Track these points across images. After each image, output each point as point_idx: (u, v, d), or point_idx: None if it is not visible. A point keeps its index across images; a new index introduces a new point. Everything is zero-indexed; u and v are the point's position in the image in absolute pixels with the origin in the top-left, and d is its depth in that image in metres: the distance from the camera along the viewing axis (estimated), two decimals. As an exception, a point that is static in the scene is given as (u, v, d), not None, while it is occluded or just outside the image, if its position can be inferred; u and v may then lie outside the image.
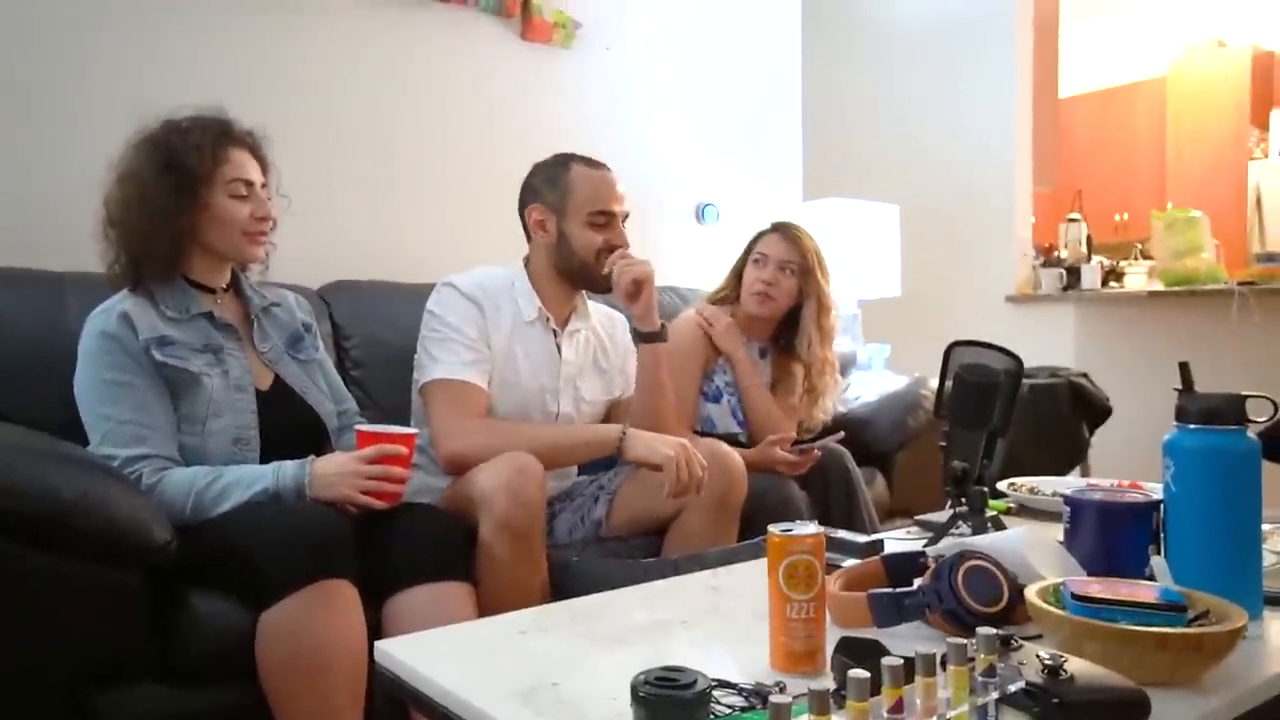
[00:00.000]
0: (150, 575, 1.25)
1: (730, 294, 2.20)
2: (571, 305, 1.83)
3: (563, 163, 1.77)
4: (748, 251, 2.18)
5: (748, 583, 1.14)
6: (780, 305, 2.13)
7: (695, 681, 0.74)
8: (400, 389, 1.81)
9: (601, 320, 1.91)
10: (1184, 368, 1.09)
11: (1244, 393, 1.03)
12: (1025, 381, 2.58)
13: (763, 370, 2.20)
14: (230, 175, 1.50)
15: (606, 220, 1.74)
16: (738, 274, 2.20)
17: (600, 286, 1.77)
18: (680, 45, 2.99)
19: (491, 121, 2.54)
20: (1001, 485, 1.62)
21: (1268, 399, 1.06)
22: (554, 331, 1.80)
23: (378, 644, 0.98)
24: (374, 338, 2.01)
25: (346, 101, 2.30)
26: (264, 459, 1.47)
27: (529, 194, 1.79)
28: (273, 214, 1.55)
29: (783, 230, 2.15)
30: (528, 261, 1.82)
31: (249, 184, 1.52)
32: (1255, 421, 1.03)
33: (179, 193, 1.46)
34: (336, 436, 1.64)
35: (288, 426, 1.53)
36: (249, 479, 1.38)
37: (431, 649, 0.98)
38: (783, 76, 3.34)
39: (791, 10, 3.36)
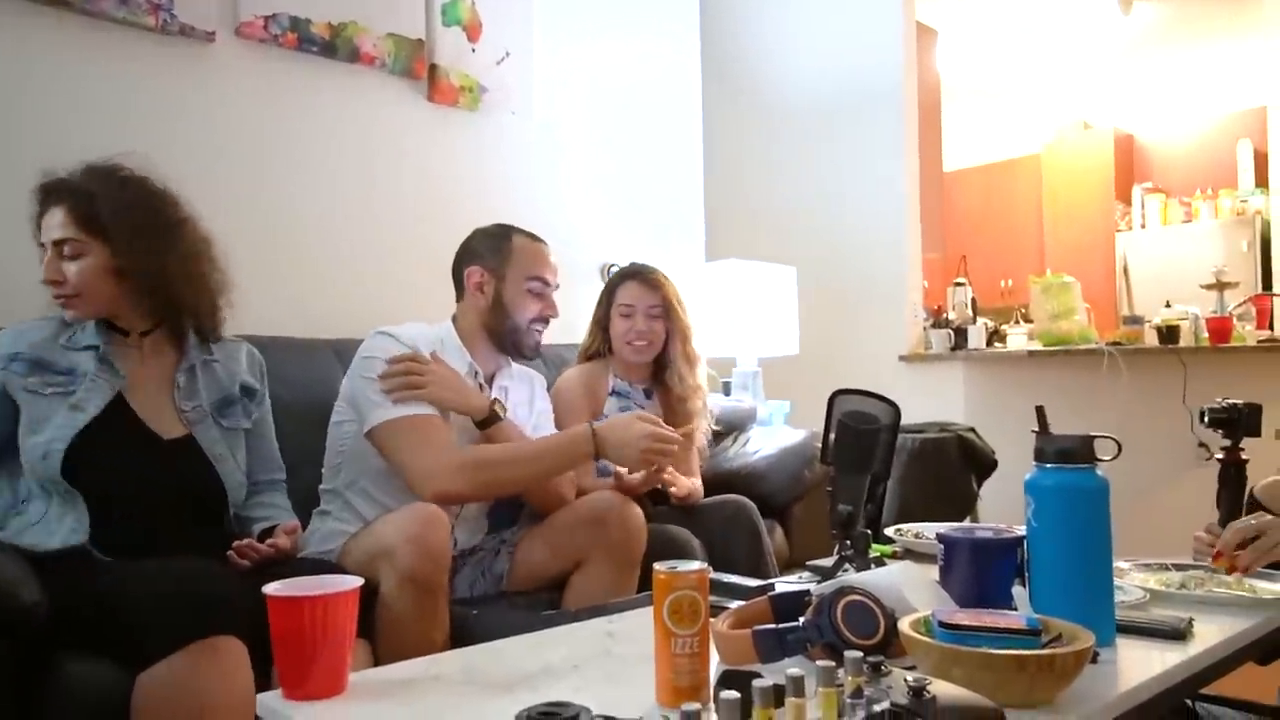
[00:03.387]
0: (16, 640, 1.18)
1: (600, 347, 2.26)
2: (497, 363, 1.88)
3: (505, 232, 1.85)
4: (609, 303, 2.23)
5: (643, 627, 1.15)
6: (657, 347, 2.21)
7: (578, 716, 0.76)
8: (298, 444, 1.78)
9: (522, 377, 1.95)
10: (1040, 411, 1.18)
11: (1092, 434, 1.12)
12: (917, 436, 2.73)
13: (655, 410, 2.25)
14: (44, 235, 1.49)
15: (542, 289, 1.82)
16: (602, 325, 2.25)
17: (524, 353, 1.85)
18: (586, 111, 3.09)
19: (399, 181, 2.56)
20: (889, 531, 1.69)
21: (1113, 439, 1.15)
22: (481, 386, 1.82)
23: (260, 697, 0.96)
24: (273, 394, 1.96)
25: (252, 159, 2.29)
26: (152, 512, 1.43)
27: (470, 255, 1.84)
28: (68, 277, 1.46)
29: (638, 277, 2.22)
30: (455, 320, 1.86)
31: (55, 244, 1.47)
32: (1103, 459, 1.12)
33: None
34: (238, 506, 1.60)
35: (187, 482, 1.50)
36: None
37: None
38: (684, 142, 3.48)
39: (692, 79, 3.53)
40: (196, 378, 1.57)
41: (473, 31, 2.71)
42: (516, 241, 1.83)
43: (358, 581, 1.02)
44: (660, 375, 2.26)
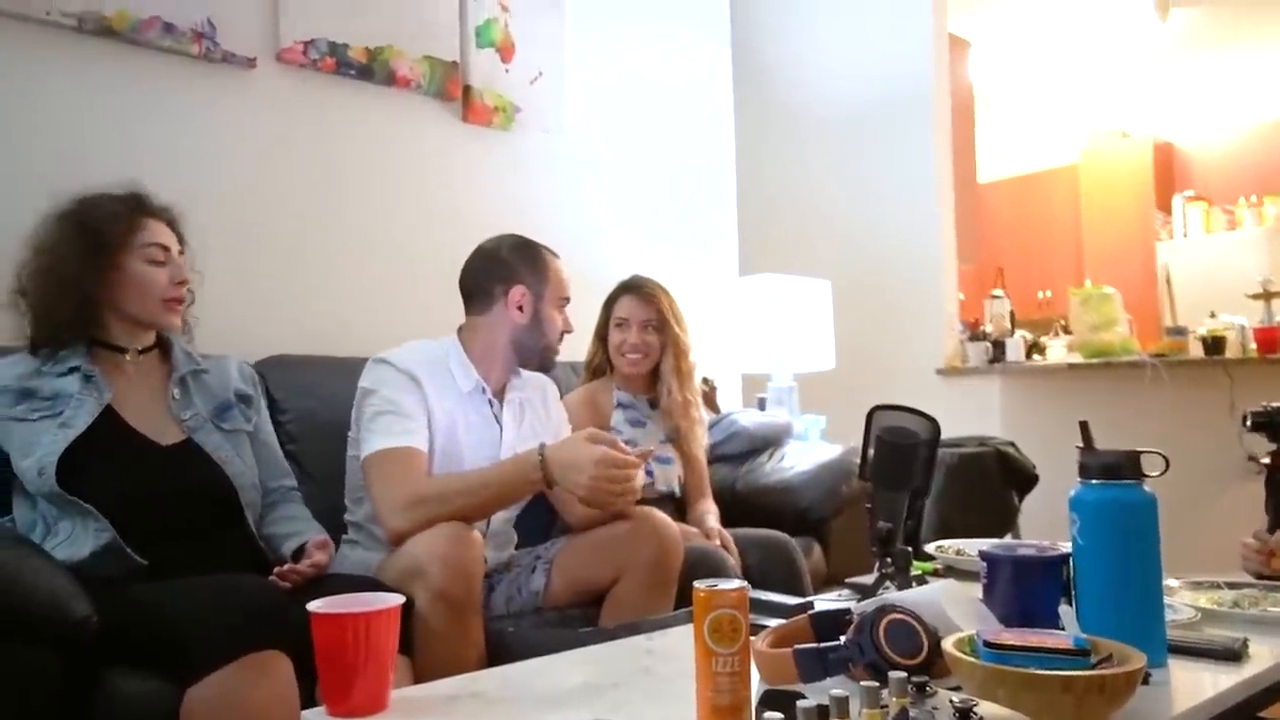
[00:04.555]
0: (68, 655, 1.21)
1: (602, 360, 2.28)
2: (507, 378, 1.87)
3: (535, 249, 1.85)
4: (607, 315, 2.27)
5: (682, 645, 1.15)
6: (653, 360, 2.23)
7: (620, 734, 0.76)
8: (335, 461, 1.80)
9: (535, 385, 1.94)
10: (1084, 426, 1.16)
11: (1138, 449, 1.10)
12: (955, 451, 2.70)
13: (658, 421, 2.26)
14: (146, 240, 1.53)
15: (564, 305, 1.86)
16: (602, 338, 2.28)
17: (550, 367, 1.88)
18: (618, 127, 3.11)
19: (433, 200, 2.60)
20: (929, 548, 1.67)
21: (1160, 454, 1.12)
22: (491, 401, 1.82)
23: (305, 714, 0.97)
24: (309, 411, 2.00)
25: (290, 180, 2.33)
26: (159, 515, 1.45)
27: (508, 273, 1.81)
28: (186, 278, 1.58)
29: (635, 290, 2.24)
30: (463, 334, 1.85)
31: (165, 249, 1.55)
32: (1150, 475, 1.09)
33: (90, 256, 1.49)
34: (263, 509, 1.62)
35: (192, 484, 1.51)
36: None
37: (360, 717, 0.96)
38: (717, 157, 3.49)
39: (724, 92, 3.54)
40: (189, 389, 1.61)
41: (506, 52, 2.75)
42: (550, 261, 1.85)
43: (400, 599, 1.03)
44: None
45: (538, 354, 1.84)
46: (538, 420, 1.90)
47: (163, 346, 1.62)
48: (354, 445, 1.74)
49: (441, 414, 1.72)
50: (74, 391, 1.47)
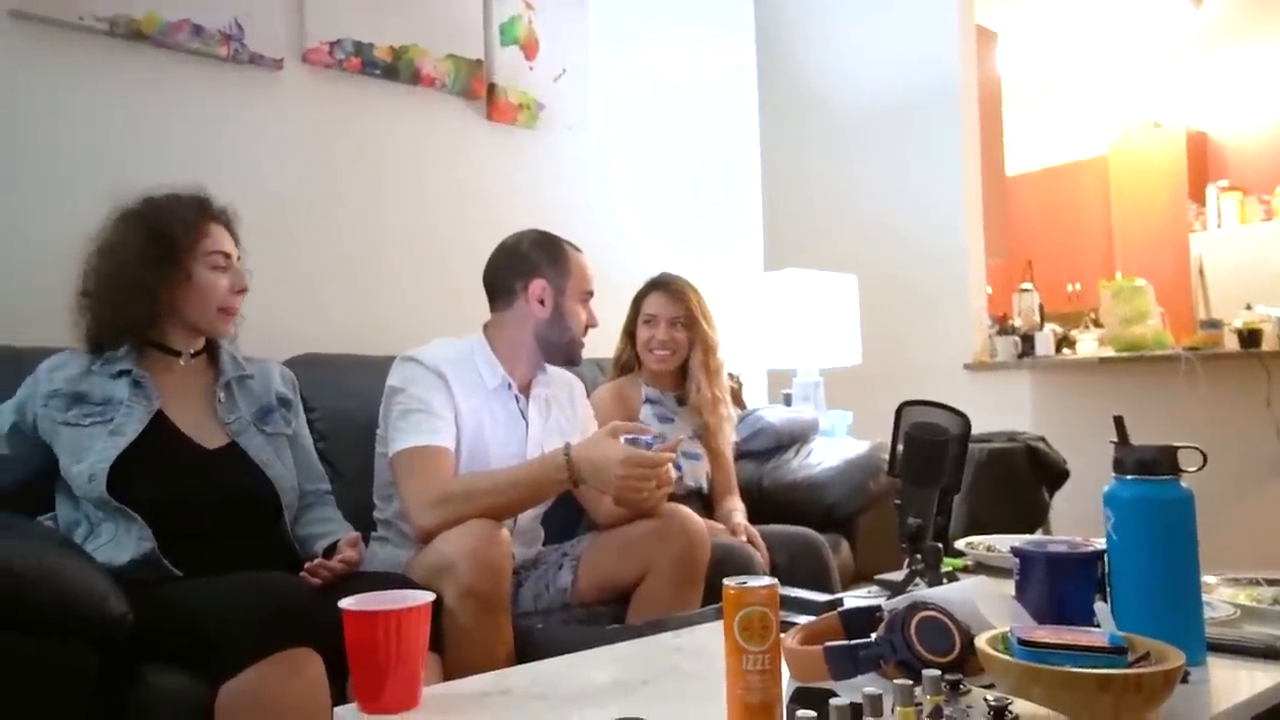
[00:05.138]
0: (105, 652, 1.23)
1: (631, 357, 2.29)
2: (534, 373, 1.87)
3: (556, 243, 1.85)
4: (635, 312, 2.27)
5: (710, 643, 1.15)
6: (680, 356, 2.24)
7: (651, 731, 0.76)
8: (365, 459, 1.82)
9: (561, 383, 1.95)
10: (1119, 422, 1.14)
11: (1174, 444, 1.08)
12: (984, 446, 2.67)
13: (686, 417, 2.26)
14: (210, 248, 1.56)
15: (588, 299, 1.86)
16: (631, 335, 2.29)
17: (575, 361, 1.87)
18: (642, 123, 3.11)
19: (459, 198, 2.61)
20: (960, 544, 1.65)
21: (1197, 449, 1.11)
22: (517, 398, 1.83)
23: (337, 711, 0.98)
24: (339, 410, 2.01)
25: (318, 179, 2.36)
26: (203, 519, 1.47)
27: (529, 267, 1.81)
28: (247, 284, 1.61)
29: (664, 287, 2.25)
30: (488, 331, 1.85)
31: (227, 256, 1.58)
32: (1187, 471, 1.08)
33: (162, 264, 1.51)
34: (297, 512, 1.64)
35: (236, 489, 1.54)
36: None
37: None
38: (742, 152, 3.47)
39: (749, 88, 3.52)
40: (234, 392, 1.63)
41: (530, 50, 2.75)
42: (571, 254, 1.85)
43: (430, 596, 1.04)
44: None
45: (562, 348, 1.84)
46: (564, 417, 1.91)
47: (210, 349, 1.65)
48: (383, 443, 1.75)
49: (468, 411, 1.73)
50: (124, 398, 1.50)
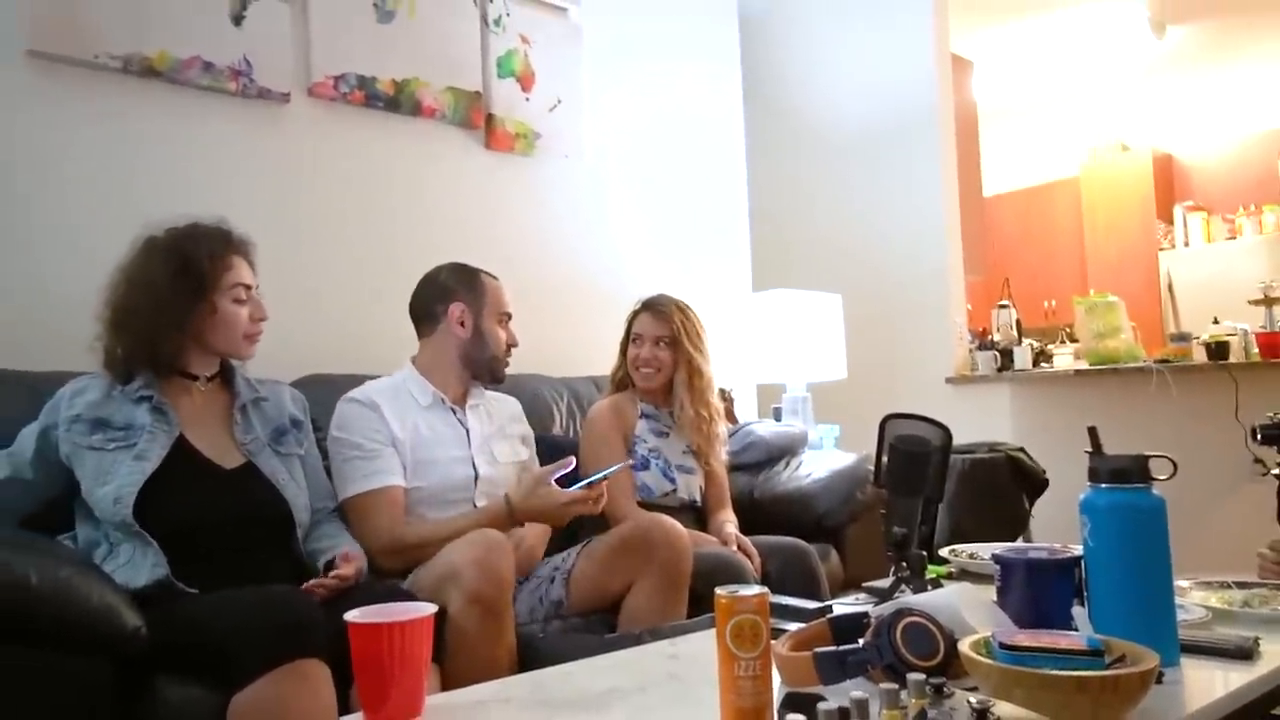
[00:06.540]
0: (119, 665, 1.24)
1: (625, 374, 2.33)
2: (465, 388, 1.96)
3: (471, 271, 1.98)
4: (627, 331, 2.33)
5: (704, 650, 1.18)
6: (665, 375, 2.28)
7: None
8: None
9: (498, 400, 2.05)
10: (1093, 432, 1.19)
11: (1147, 453, 1.13)
12: (967, 457, 2.72)
13: (679, 432, 2.29)
14: (233, 280, 1.60)
15: (507, 321, 1.97)
16: (624, 351, 2.35)
17: (499, 378, 1.97)
18: (634, 152, 3.17)
19: (459, 223, 2.67)
20: (944, 552, 1.70)
21: (1169, 458, 1.16)
22: (453, 409, 1.92)
23: (343, 720, 1.00)
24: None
25: (325, 206, 2.41)
26: (220, 536, 1.49)
27: (445, 293, 1.94)
28: (266, 314, 1.66)
29: (652, 308, 2.30)
30: (416, 360, 1.96)
31: (248, 288, 1.63)
32: (1159, 479, 1.12)
33: (192, 296, 1.55)
34: (305, 528, 1.67)
35: (253, 507, 1.57)
36: None
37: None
38: (730, 178, 3.53)
39: (735, 116, 3.58)
40: (250, 415, 1.66)
41: (526, 81, 2.82)
42: (486, 280, 1.97)
43: (432, 608, 1.06)
44: None
45: (485, 364, 1.94)
46: (506, 423, 2.00)
47: (224, 372, 1.68)
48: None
49: (405, 430, 1.82)
50: (146, 423, 1.52)
